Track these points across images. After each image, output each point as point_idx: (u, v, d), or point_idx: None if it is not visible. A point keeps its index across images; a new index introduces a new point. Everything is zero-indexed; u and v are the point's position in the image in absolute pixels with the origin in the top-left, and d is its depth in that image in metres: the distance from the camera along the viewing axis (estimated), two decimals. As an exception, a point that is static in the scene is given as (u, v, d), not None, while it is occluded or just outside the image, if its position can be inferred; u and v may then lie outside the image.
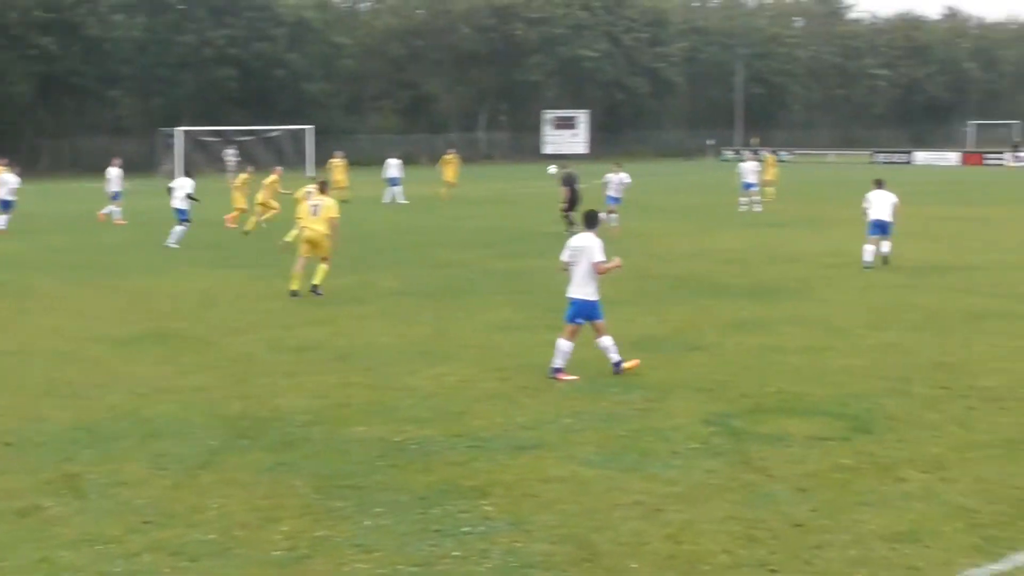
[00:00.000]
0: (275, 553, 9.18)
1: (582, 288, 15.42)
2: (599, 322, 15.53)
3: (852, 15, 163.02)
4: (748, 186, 45.23)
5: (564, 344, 15.42)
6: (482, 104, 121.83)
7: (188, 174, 36.36)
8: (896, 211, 28.49)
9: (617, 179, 38.54)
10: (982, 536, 9.36)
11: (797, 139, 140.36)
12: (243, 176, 40.61)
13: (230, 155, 74.74)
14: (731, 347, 17.39)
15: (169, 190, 34.53)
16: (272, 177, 38.15)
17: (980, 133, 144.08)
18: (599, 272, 15.38)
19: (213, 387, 14.98)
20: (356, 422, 13.12)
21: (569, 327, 15.50)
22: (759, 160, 49.57)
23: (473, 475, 11.10)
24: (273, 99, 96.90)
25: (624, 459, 11.57)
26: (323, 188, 24.25)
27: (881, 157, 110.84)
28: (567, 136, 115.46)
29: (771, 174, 51.56)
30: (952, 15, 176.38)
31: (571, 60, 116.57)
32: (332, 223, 23.14)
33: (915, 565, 8.77)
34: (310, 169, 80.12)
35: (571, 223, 36.25)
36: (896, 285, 24.07)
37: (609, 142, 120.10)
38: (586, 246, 15.40)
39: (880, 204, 28.50)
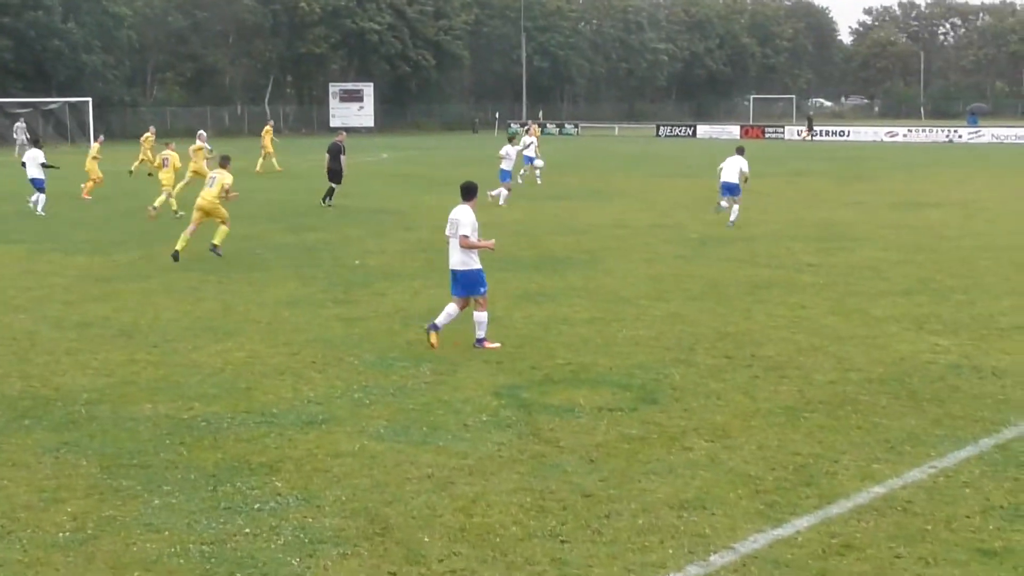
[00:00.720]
0: (61, 535, 8.91)
1: (459, 258, 15.40)
2: (481, 296, 15.47)
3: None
4: (527, 160, 45.90)
5: (455, 310, 15.47)
6: (267, 76, 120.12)
7: (35, 144, 37.00)
8: (742, 176, 30.78)
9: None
10: (765, 502, 9.65)
11: (583, 112, 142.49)
12: (96, 145, 41.72)
13: (19, 128, 72.10)
14: (520, 319, 17.55)
15: (23, 164, 35.55)
16: (196, 144, 37.68)
17: (759, 107, 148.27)
18: (463, 246, 15.34)
19: (-12, 367, 14.45)
20: (142, 400, 12.82)
21: (457, 300, 15.52)
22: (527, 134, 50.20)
23: (263, 451, 10.97)
24: (51, 71, 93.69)
25: (414, 432, 11.58)
26: (224, 163, 25.12)
27: (666, 130, 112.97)
28: (354, 109, 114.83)
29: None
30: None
31: (355, 32, 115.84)
32: (226, 193, 24.17)
33: (701, 532, 8.98)
34: (92, 141, 77.90)
35: (329, 194, 35.93)
36: (678, 256, 24.61)
37: (396, 115, 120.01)
38: (458, 219, 15.40)
39: (730, 168, 30.85)
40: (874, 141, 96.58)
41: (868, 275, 21.97)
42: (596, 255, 24.80)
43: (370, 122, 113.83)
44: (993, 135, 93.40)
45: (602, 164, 61.56)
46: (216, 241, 24.45)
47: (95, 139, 44.58)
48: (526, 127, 62.67)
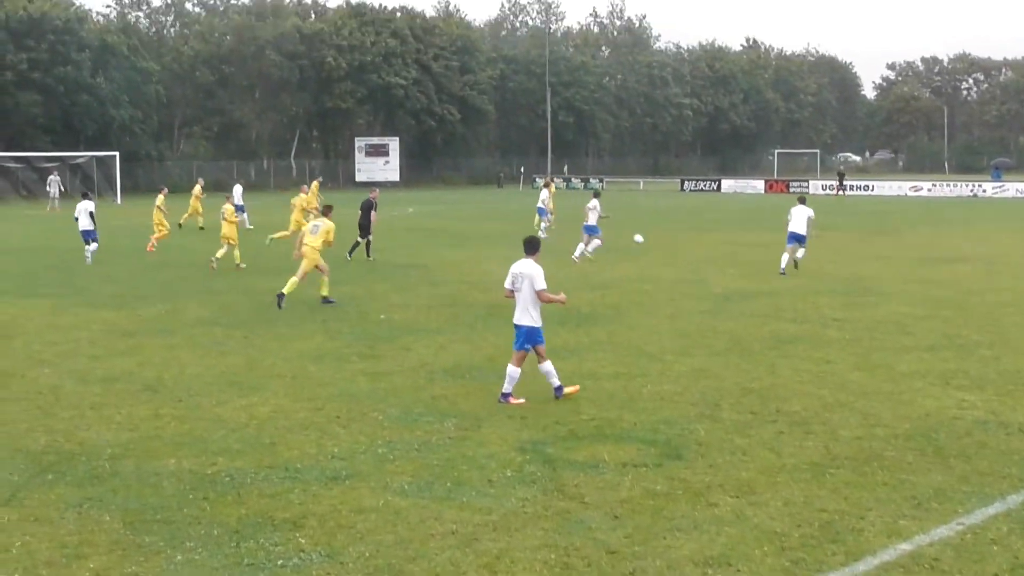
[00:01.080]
0: (81, 593, 8.91)
1: (526, 314, 15.46)
2: (541, 347, 15.59)
3: (657, 45, 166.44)
4: (541, 212, 47.66)
5: (513, 370, 15.52)
6: (294, 130, 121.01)
7: (85, 196, 38.21)
8: (810, 224, 32.64)
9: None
10: (791, 559, 9.58)
11: (608, 167, 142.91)
12: (161, 197, 43.49)
13: (53, 182, 72.92)
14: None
15: (76, 219, 36.84)
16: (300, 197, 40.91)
17: (783, 161, 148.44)
18: (542, 301, 15.45)
19: (16, 420, 14.49)
20: (166, 455, 12.82)
21: (517, 354, 15.57)
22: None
23: (286, 507, 10.95)
24: (79, 125, 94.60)
25: (438, 488, 11.55)
26: (327, 211, 26.89)
27: (690, 185, 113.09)
28: (379, 163, 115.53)
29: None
30: (753, 46, 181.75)
31: (381, 87, 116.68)
32: (327, 243, 25.90)
33: (726, 589, 8.93)
34: (118, 196, 78.67)
35: (354, 248, 36.50)
36: (703, 311, 24.56)
37: (421, 169, 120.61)
38: (527, 272, 15.47)
39: (798, 218, 32.55)
40: (899, 195, 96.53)
41: (893, 330, 21.88)
42: (621, 310, 24.79)
43: (396, 176, 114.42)
44: (1018, 190, 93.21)
45: (628, 219, 61.61)
46: (324, 292, 26.07)
47: (160, 191, 46.04)
48: (548, 180, 63.09)
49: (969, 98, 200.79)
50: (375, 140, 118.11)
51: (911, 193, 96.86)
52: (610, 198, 66.24)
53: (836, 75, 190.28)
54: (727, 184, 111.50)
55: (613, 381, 16.97)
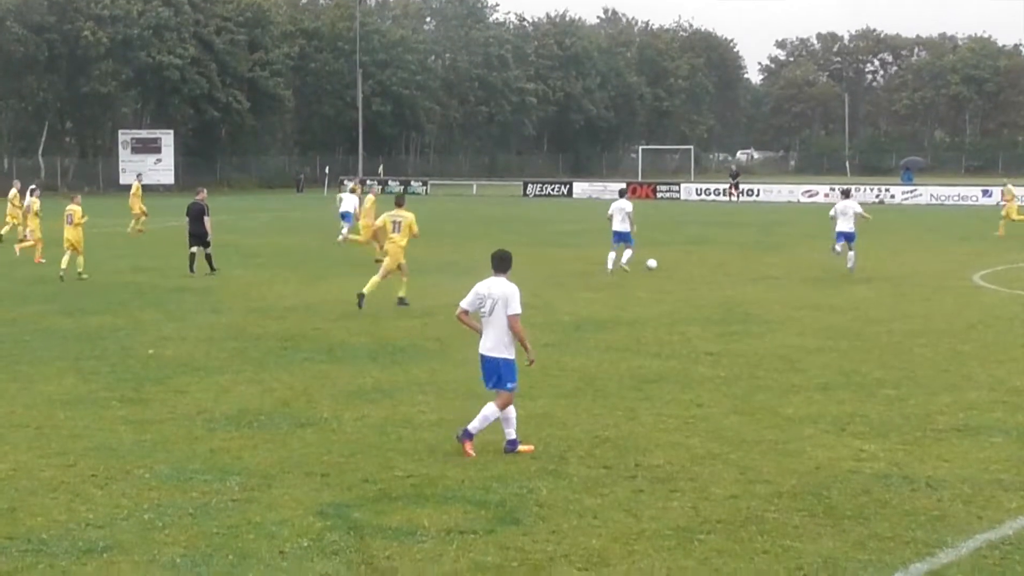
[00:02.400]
0: None
1: (500, 344, 15.82)
2: (507, 392, 15.80)
3: (494, 17, 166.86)
4: (346, 217, 50.48)
5: (507, 412, 15.81)
6: (41, 122, 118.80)
7: None
8: (858, 218, 39.00)
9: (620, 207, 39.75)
10: (648, 643, 9.79)
11: (434, 167, 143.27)
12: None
13: None
14: (351, 421, 17.55)
15: None
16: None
17: (649, 160, 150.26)
18: (512, 330, 15.81)
19: None
20: None
21: (499, 394, 15.86)
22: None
23: (24, 591, 10.83)
24: None
25: (218, 563, 11.52)
26: (400, 201, 31.46)
27: (535, 188, 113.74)
28: (149, 162, 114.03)
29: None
30: (612, 18, 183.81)
31: (151, 68, 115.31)
32: (413, 236, 30.64)
33: None
34: None
35: (192, 262, 36.86)
36: (548, 343, 24.76)
37: (201, 169, 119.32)
38: (501, 293, 15.81)
39: (844, 214, 38.87)
40: (789, 202, 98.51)
41: (779, 366, 22.39)
42: (446, 343, 24.91)
43: (170, 178, 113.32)
44: (932, 195, 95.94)
45: (457, 230, 61.89)
46: (402, 293, 30.46)
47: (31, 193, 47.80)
48: (356, 185, 63.33)
49: (875, 84, 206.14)
50: (144, 134, 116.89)
51: (804, 199, 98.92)
52: (435, 205, 66.55)
53: (714, 55, 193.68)
54: (580, 188, 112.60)
55: (435, 429, 17.09)
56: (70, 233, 37.53)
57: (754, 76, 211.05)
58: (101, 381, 20.68)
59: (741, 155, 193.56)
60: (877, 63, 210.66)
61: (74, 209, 38.03)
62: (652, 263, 38.95)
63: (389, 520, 12.84)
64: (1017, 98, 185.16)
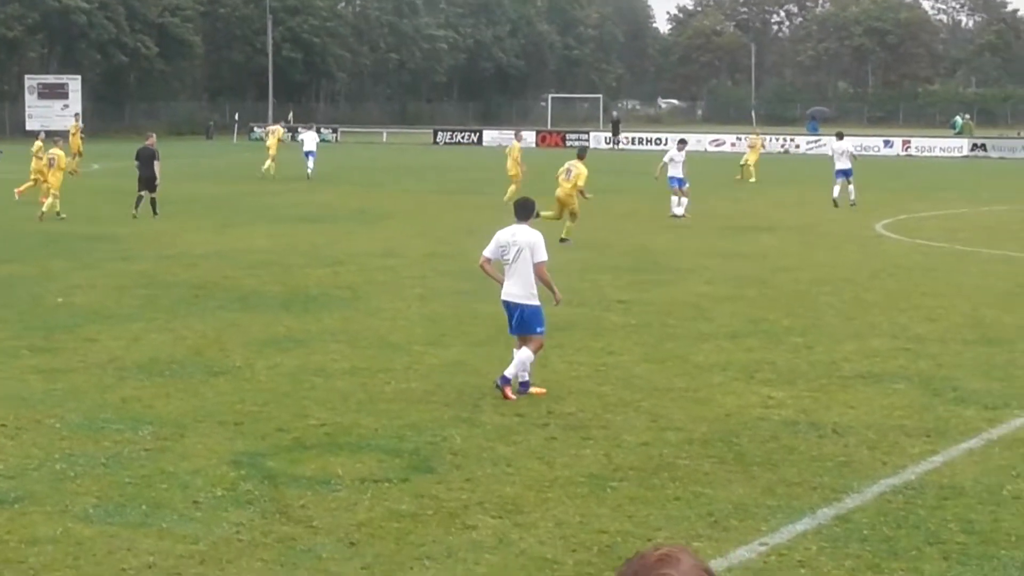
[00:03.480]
0: None
1: (525, 291, 15.91)
2: (538, 337, 16.03)
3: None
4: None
5: (529, 355, 15.91)
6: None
7: None
8: (852, 158, 46.28)
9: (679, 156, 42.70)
10: (563, 590, 9.83)
11: (344, 115, 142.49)
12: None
13: None
14: (264, 370, 17.47)
15: None
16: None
17: (559, 109, 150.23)
18: (540, 277, 15.90)
19: None
20: None
21: (519, 339, 16.07)
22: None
23: (-66, 542, 10.70)
24: None
25: (131, 512, 11.44)
26: (582, 154, 34.92)
27: (445, 136, 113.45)
28: (56, 108, 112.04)
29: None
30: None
31: (58, 12, 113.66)
32: (575, 188, 33.07)
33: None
34: None
35: (139, 202, 38.49)
36: (460, 292, 24.75)
37: (110, 115, 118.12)
38: (526, 241, 15.82)
39: (840, 156, 45.87)
40: (697, 151, 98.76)
41: (689, 314, 22.51)
42: (359, 291, 24.84)
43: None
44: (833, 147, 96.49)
45: (367, 178, 61.64)
46: (563, 235, 32.17)
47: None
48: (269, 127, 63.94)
49: (780, 34, 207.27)
50: (51, 79, 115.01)
51: (712, 148, 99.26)
52: (345, 153, 66.27)
53: (623, 4, 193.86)
54: (490, 135, 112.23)
55: (348, 378, 17.04)
56: (52, 177, 39.39)
57: (663, 26, 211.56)
58: (9, 330, 20.45)
59: (663, 104, 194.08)
60: (783, 14, 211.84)
61: (57, 154, 40.29)
62: None
63: (303, 469, 12.81)
64: (917, 50, 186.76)
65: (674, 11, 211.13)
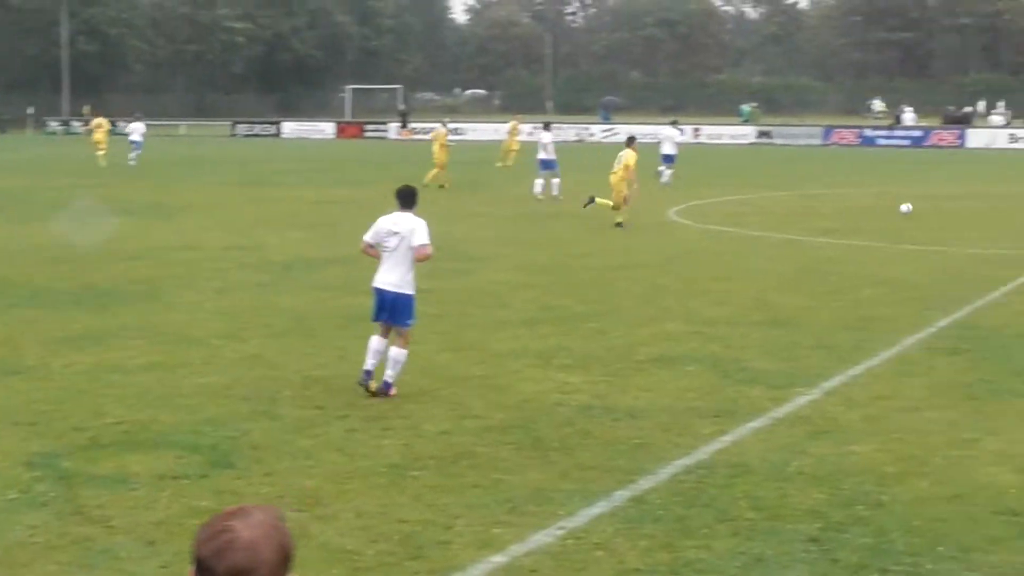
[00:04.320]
0: None
1: (398, 277, 15.50)
2: (406, 329, 15.61)
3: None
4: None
5: (401, 352, 15.60)
6: None
7: None
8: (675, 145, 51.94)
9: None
10: (363, 581, 9.78)
11: (141, 106, 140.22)
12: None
13: None
14: (59, 369, 17.10)
15: None
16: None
17: (358, 100, 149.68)
18: (421, 258, 15.47)
19: None
20: None
21: (382, 329, 15.64)
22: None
23: None
24: None
25: (-79, 519, 11.13)
26: (630, 142, 37.02)
27: (244, 128, 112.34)
28: None
29: None
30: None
31: None
32: (627, 171, 35.40)
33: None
34: None
35: None
36: (259, 284, 24.59)
37: None
38: (407, 228, 15.39)
39: (666, 140, 52.13)
40: (495, 140, 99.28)
41: (486, 302, 22.59)
42: (155, 285, 24.47)
43: None
44: (629, 133, 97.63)
45: (164, 171, 60.79)
46: (619, 219, 34.96)
47: None
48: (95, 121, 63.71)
49: (575, 25, 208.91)
50: None
51: (524, 138, 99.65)
52: (144, 145, 65.22)
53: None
54: (289, 127, 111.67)
55: (145, 374, 16.75)
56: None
57: (460, 16, 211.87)
58: None
59: (467, 93, 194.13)
60: (577, 4, 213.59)
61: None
62: (906, 207, 38.05)
63: (100, 468, 12.55)
64: (706, 40, 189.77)
65: (471, 2, 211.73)
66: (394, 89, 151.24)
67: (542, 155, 45.07)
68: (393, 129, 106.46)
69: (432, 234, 15.51)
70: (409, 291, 15.71)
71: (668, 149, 52.66)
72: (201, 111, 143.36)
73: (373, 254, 16.08)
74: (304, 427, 14.15)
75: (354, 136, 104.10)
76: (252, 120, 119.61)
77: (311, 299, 22.92)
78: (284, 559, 3.92)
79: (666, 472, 12.55)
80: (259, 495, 11.73)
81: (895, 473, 12.52)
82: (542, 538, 10.73)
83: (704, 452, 13.26)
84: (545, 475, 12.42)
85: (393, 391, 15.60)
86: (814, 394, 15.76)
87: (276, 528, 3.94)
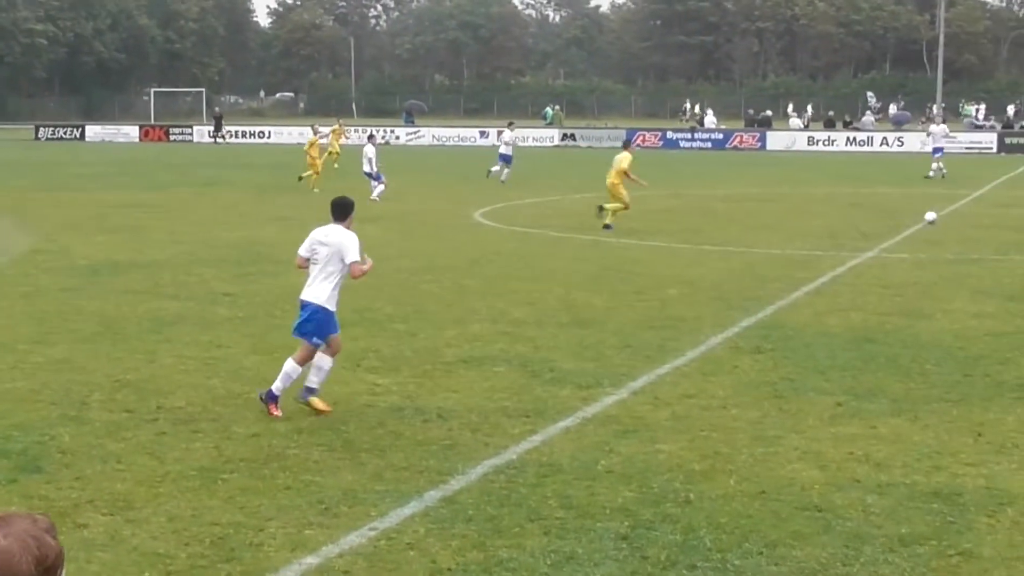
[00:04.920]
0: None
1: (323, 292, 14.86)
2: (335, 336, 14.99)
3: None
4: None
5: (328, 361, 14.95)
6: None
7: None
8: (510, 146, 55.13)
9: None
10: (177, 585, 9.71)
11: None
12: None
13: None
14: None
15: None
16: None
17: (163, 103, 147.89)
18: (355, 276, 14.96)
19: None
20: None
21: (304, 346, 14.90)
22: None
23: None
24: None
25: None
26: (626, 144, 38.55)
27: (47, 132, 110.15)
28: None
29: None
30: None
31: None
32: (619, 173, 35.74)
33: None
34: None
35: None
36: (66, 288, 24.17)
37: None
38: (335, 242, 14.81)
39: (508, 144, 55.00)
40: (300, 143, 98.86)
41: (295, 306, 22.22)
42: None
43: None
44: (434, 136, 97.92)
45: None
46: (607, 221, 35.42)
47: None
48: None
49: (379, 28, 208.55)
50: None
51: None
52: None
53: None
54: (93, 131, 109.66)
55: (-51, 381, 16.39)
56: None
57: (264, 19, 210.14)
58: None
59: (276, 97, 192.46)
60: (380, 8, 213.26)
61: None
62: (932, 216, 37.12)
63: (-97, 476, 12.26)
64: (509, 43, 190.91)
65: (274, 5, 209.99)
66: (198, 92, 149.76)
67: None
68: (200, 132, 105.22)
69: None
70: (331, 306, 15.12)
71: (505, 150, 55.02)
72: (3, 115, 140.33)
73: (302, 267, 15.60)
74: (114, 431, 13.96)
75: (159, 139, 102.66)
76: (55, 124, 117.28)
77: (118, 303, 22.58)
78: (43, 571, 3.84)
79: (477, 472, 12.61)
80: (69, 500, 11.57)
81: (702, 471, 12.72)
82: (354, 539, 10.72)
83: (514, 452, 13.33)
84: (357, 476, 12.42)
85: (321, 404, 14.92)
86: (622, 393, 15.94)
87: (36, 539, 3.84)
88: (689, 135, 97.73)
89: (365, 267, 15.30)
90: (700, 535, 10.89)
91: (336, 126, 65.50)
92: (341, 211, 15.55)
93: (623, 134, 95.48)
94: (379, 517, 11.24)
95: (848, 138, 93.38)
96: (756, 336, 19.97)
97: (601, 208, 36.18)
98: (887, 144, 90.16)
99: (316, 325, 15.06)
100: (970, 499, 11.90)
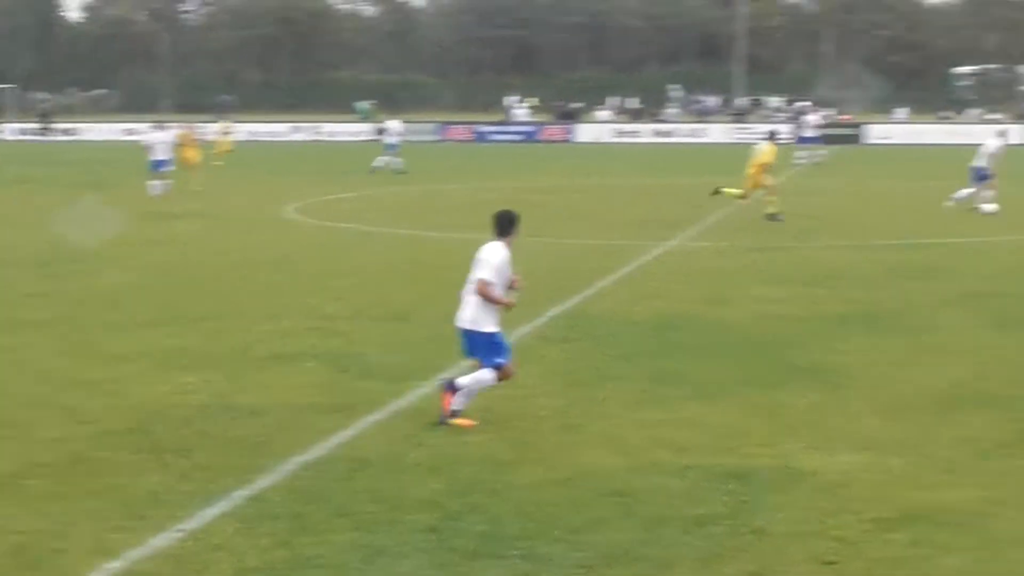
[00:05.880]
0: None
1: (469, 314, 14.05)
2: (496, 369, 14.05)
3: None
4: None
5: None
6: None
7: None
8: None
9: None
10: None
11: None
12: None
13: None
14: None
15: None
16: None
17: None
18: (479, 293, 13.83)
19: None
20: None
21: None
22: None
23: None
24: None
25: None
26: (771, 137, 37.79)
27: None
28: None
29: None
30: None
31: None
32: (760, 164, 35.83)
33: None
34: None
35: None
36: None
37: None
38: (480, 258, 13.96)
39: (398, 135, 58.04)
40: (111, 140, 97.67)
41: (105, 304, 22.05)
42: None
43: None
44: (249, 131, 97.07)
45: None
46: (770, 210, 35.57)
47: None
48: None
49: (193, 23, 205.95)
50: None
51: (125, 136, 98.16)
52: None
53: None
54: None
55: None
56: None
57: (75, 14, 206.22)
58: None
59: (93, 93, 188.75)
60: (195, 3, 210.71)
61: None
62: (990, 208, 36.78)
63: None
64: (324, 38, 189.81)
65: (88, 0, 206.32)
66: (7, 89, 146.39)
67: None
68: (13, 131, 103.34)
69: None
70: (480, 328, 14.11)
71: (391, 139, 58.69)
72: None
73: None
74: None
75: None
76: None
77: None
78: None
79: (285, 469, 12.46)
80: None
81: (510, 460, 12.74)
82: (161, 541, 10.53)
83: (324, 448, 13.22)
84: (163, 477, 12.19)
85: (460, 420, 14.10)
86: (431, 386, 15.89)
87: None
88: (500, 128, 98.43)
89: (490, 291, 14.04)
90: (506, 524, 10.90)
91: (223, 123, 64.87)
92: (503, 225, 14.75)
93: (436, 128, 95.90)
94: (186, 518, 11.04)
95: (654, 129, 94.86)
96: (563, 326, 20.11)
97: (717, 191, 37.29)
98: (693, 135, 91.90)
99: (478, 349, 14.28)
100: (763, 478, 12.13)
